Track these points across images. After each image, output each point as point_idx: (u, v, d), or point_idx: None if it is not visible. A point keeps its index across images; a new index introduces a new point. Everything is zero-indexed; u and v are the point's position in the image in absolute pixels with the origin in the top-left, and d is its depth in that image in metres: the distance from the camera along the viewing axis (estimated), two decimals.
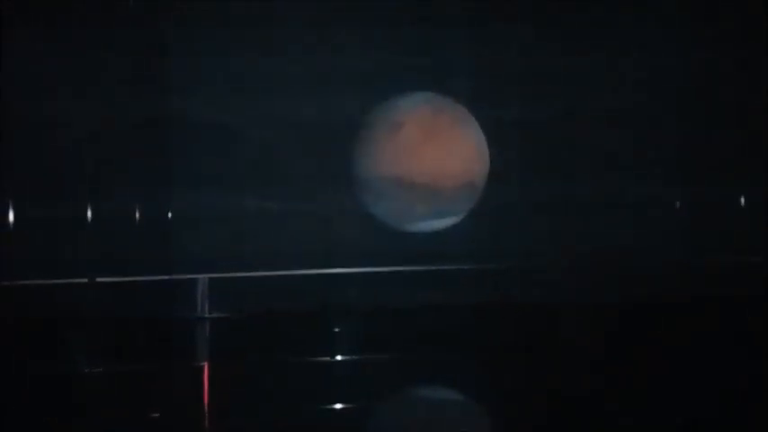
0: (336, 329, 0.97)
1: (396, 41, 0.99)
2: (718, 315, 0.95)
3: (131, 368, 0.89)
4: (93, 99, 0.96)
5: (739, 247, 0.97)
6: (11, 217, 0.94)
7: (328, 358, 0.92)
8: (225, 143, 0.97)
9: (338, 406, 0.77)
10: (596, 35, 0.98)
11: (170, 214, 0.97)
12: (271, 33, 0.97)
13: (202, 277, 0.98)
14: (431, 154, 0.97)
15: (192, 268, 0.97)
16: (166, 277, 0.97)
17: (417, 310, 0.98)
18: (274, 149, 0.98)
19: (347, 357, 0.92)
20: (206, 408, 0.77)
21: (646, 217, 0.99)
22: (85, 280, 0.96)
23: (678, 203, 0.98)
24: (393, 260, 0.99)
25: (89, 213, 0.95)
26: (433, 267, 0.99)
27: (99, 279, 0.96)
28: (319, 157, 0.99)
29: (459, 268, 0.99)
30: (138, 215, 0.96)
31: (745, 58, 0.97)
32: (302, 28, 0.98)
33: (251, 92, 0.97)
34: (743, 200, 0.97)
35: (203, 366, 0.91)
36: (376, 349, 0.94)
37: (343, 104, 0.98)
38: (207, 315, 0.98)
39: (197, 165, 0.97)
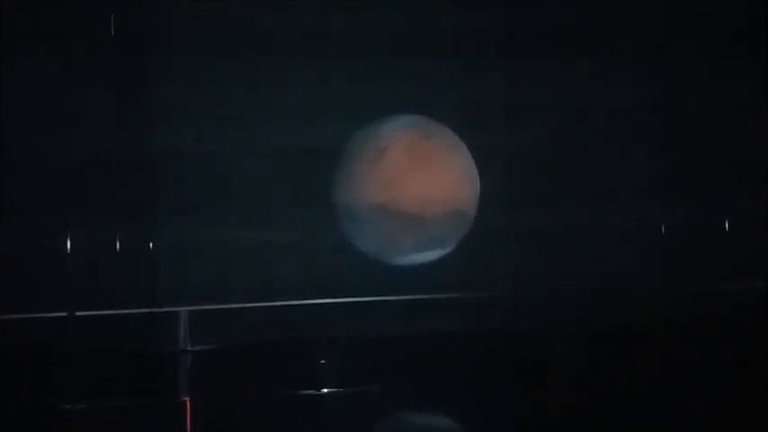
0: (322, 361, 0.95)
1: (382, 71, 0.97)
2: (705, 340, 0.95)
3: (112, 403, 0.87)
4: (74, 129, 0.94)
5: (726, 271, 0.96)
6: None
7: (314, 391, 0.91)
8: (208, 173, 0.96)
9: None
10: (579, 64, 0.97)
11: (151, 245, 0.95)
12: (256, 63, 0.96)
13: (184, 310, 0.96)
14: (418, 181, 0.95)
15: (174, 300, 0.95)
16: (147, 310, 0.95)
17: (404, 340, 0.96)
18: (259, 179, 0.96)
19: (334, 390, 0.91)
20: None
21: (632, 242, 0.97)
22: (65, 314, 0.94)
23: (663, 227, 0.97)
24: (379, 290, 0.97)
25: (68, 244, 0.93)
26: (420, 296, 0.98)
27: (79, 313, 0.94)
28: (304, 187, 0.97)
29: (447, 297, 0.98)
30: (118, 246, 0.94)
31: (728, 84, 0.97)
32: (288, 57, 0.97)
33: (234, 121, 0.96)
34: (727, 224, 0.96)
35: (185, 401, 0.89)
36: (363, 381, 0.93)
37: (329, 133, 0.96)
38: (189, 348, 0.96)
39: (180, 195, 0.95)
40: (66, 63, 0.93)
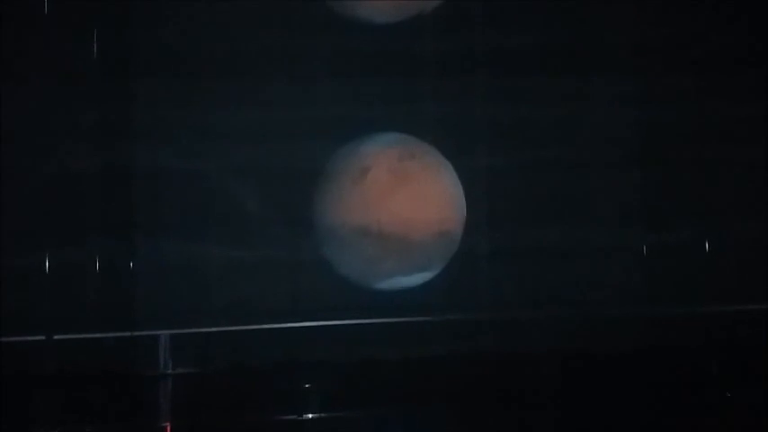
0: (306, 385, 0.93)
1: (365, 92, 0.96)
2: (688, 364, 0.94)
3: (91, 429, 0.85)
4: (53, 147, 0.92)
5: (706, 294, 0.96)
6: None
7: (297, 416, 0.89)
8: (191, 192, 0.94)
9: None
10: (563, 85, 0.97)
11: (132, 264, 0.93)
12: (238, 83, 0.95)
13: (165, 333, 0.94)
14: (402, 202, 0.93)
15: (155, 322, 0.93)
16: (127, 333, 0.93)
17: (390, 364, 0.95)
18: (240, 199, 0.95)
19: (318, 415, 0.89)
20: None
21: (613, 263, 0.96)
22: (42, 337, 0.92)
23: (645, 249, 0.96)
24: (364, 312, 0.96)
25: (47, 265, 0.91)
26: (405, 319, 0.96)
27: (57, 336, 0.92)
28: (286, 207, 0.95)
29: (432, 319, 0.96)
30: (98, 266, 0.92)
31: (711, 105, 0.98)
32: (271, 77, 0.96)
33: (216, 141, 0.95)
34: (707, 245, 0.95)
35: (166, 426, 0.88)
36: (348, 405, 0.92)
37: (312, 153, 0.95)
38: (170, 371, 0.94)
39: (161, 214, 0.94)
40: (47, 82, 0.92)
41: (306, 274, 0.95)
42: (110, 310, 0.93)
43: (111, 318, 0.93)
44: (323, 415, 0.89)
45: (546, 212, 0.97)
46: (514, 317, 0.96)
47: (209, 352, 0.94)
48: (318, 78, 0.95)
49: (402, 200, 0.93)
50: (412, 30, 0.96)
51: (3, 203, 0.90)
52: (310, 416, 0.89)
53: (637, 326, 0.96)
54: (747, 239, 0.96)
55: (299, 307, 0.95)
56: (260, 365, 0.94)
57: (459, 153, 0.96)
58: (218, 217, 0.95)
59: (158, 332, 0.93)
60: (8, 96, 0.90)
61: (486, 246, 0.96)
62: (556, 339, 0.96)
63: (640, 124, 0.97)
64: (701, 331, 0.96)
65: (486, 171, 0.96)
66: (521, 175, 0.96)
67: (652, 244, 0.96)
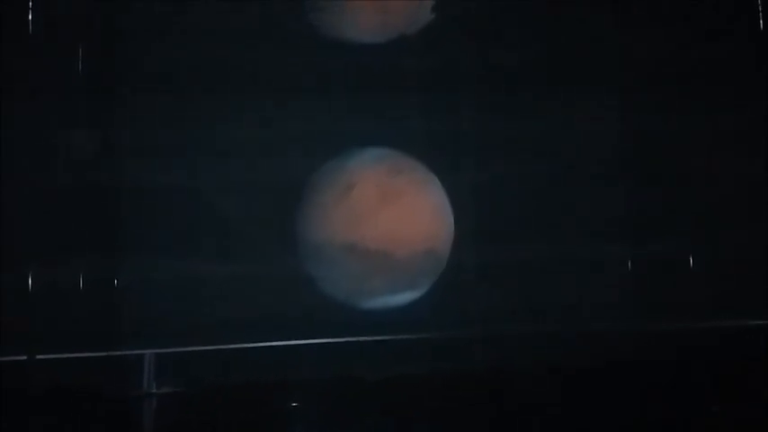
0: (293, 404, 0.92)
1: (352, 108, 0.96)
2: (673, 379, 0.94)
3: None
4: (39, 165, 0.91)
5: (692, 310, 0.96)
6: None
7: None
8: (175, 209, 0.93)
9: None
10: (549, 102, 0.98)
11: (116, 282, 0.92)
12: (225, 100, 0.95)
13: (149, 352, 0.93)
14: (388, 218, 0.93)
15: (139, 341, 0.92)
16: (112, 353, 0.92)
17: (377, 382, 0.94)
18: (227, 216, 0.94)
19: None
20: None
21: (599, 278, 0.96)
22: (24, 357, 0.90)
23: (630, 263, 0.96)
24: (351, 330, 0.95)
25: (30, 283, 0.90)
26: (394, 337, 0.95)
27: (40, 356, 0.90)
28: (273, 223, 0.95)
29: (420, 337, 0.96)
30: (82, 284, 0.91)
31: (694, 121, 0.98)
32: (256, 95, 0.95)
33: (203, 157, 0.94)
34: (691, 260, 0.96)
35: None
36: (336, 425, 0.91)
37: (297, 169, 0.95)
38: (155, 391, 0.93)
39: (146, 230, 0.93)
40: (32, 100, 0.92)
41: (293, 291, 0.95)
42: (94, 328, 0.92)
43: (95, 337, 0.92)
44: None
45: (532, 227, 0.97)
46: (501, 333, 0.96)
47: (194, 371, 0.93)
48: (305, 95, 0.95)
49: (388, 217, 0.93)
50: (397, 48, 0.97)
51: None
52: None
53: (623, 340, 0.96)
54: (733, 254, 0.97)
55: (285, 325, 0.94)
56: (246, 384, 0.93)
57: (444, 169, 0.95)
58: (204, 234, 0.94)
59: (143, 351, 0.92)
60: None
61: (472, 261, 0.96)
62: (543, 355, 0.96)
63: (625, 139, 0.97)
64: (687, 345, 0.96)
65: (472, 186, 0.96)
66: (506, 190, 0.96)
67: (637, 258, 0.96)
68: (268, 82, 0.96)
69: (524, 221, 0.97)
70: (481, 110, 0.97)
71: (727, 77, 0.98)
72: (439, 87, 0.97)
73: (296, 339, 0.94)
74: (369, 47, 0.96)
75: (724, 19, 0.99)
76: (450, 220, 0.95)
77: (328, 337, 0.94)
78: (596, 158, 0.97)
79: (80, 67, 0.93)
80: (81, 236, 0.92)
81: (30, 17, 0.92)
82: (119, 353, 0.92)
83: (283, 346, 0.94)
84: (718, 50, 0.98)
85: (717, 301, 0.96)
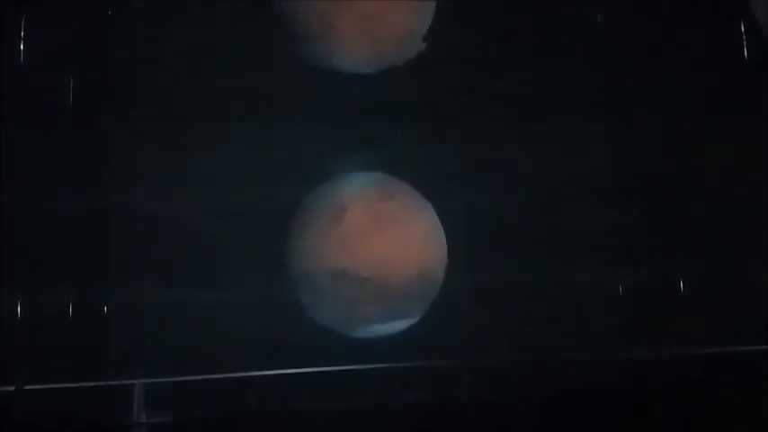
0: None
1: (340, 135, 0.96)
2: (662, 407, 0.94)
3: None
4: (25, 191, 0.91)
5: (681, 335, 0.96)
6: None
7: None
8: (165, 236, 0.93)
9: None
10: (536, 127, 0.99)
11: (106, 309, 0.91)
12: (214, 126, 0.95)
13: (139, 382, 0.92)
14: (380, 244, 0.92)
15: (129, 370, 0.91)
16: (101, 383, 0.91)
17: (370, 410, 0.93)
18: (217, 242, 0.94)
19: None
20: None
21: (589, 303, 0.96)
22: (12, 388, 0.89)
23: (621, 288, 0.96)
24: (342, 358, 0.94)
25: (18, 311, 0.89)
26: (385, 365, 0.94)
27: (28, 387, 0.89)
28: (263, 250, 0.94)
29: (410, 365, 0.95)
30: (71, 312, 0.90)
31: (684, 146, 0.99)
32: (245, 121, 0.96)
33: (192, 184, 0.94)
34: (681, 285, 0.96)
35: None
36: None
37: (288, 195, 0.94)
38: (144, 420, 0.91)
39: (134, 259, 0.92)
40: (23, 128, 0.92)
41: (284, 319, 0.94)
42: (83, 357, 0.91)
43: (84, 366, 0.91)
44: None
45: (524, 253, 0.97)
46: (494, 361, 0.95)
47: (184, 400, 0.92)
48: (295, 122, 0.95)
49: (380, 242, 0.92)
50: (388, 76, 0.97)
51: None
52: None
53: (615, 367, 0.95)
54: (722, 279, 0.97)
55: (276, 353, 0.94)
56: (237, 414, 0.92)
57: (434, 195, 0.96)
58: (193, 261, 0.93)
59: (133, 381, 0.91)
60: None
61: (464, 288, 0.95)
62: (535, 383, 0.95)
63: (615, 164, 0.98)
64: (678, 372, 0.96)
65: (463, 212, 0.96)
66: (495, 216, 0.96)
67: (627, 283, 0.96)
68: (257, 109, 0.96)
69: (515, 247, 0.97)
70: (471, 136, 0.97)
71: (714, 104, 0.99)
72: (428, 114, 0.97)
73: (287, 368, 0.93)
74: (360, 76, 0.97)
75: (715, 47, 1.00)
76: (444, 245, 0.94)
77: (320, 366, 0.93)
78: (586, 184, 0.98)
79: (71, 97, 0.94)
80: (69, 263, 0.91)
81: (21, 47, 0.93)
82: (108, 383, 0.91)
83: (274, 375, 0.93)
84: (705, 78, 0.99)
85: (706, 327, 0.96)
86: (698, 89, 0.99)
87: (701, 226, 0.98)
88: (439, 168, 0.97)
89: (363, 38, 0.95)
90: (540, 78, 0.98)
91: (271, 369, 0.93)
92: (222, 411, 0.92)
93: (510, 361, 0.95)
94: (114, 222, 0.92)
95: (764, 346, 0.95)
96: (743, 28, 1.00)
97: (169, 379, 0.92)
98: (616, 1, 1.00)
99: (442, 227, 0.94)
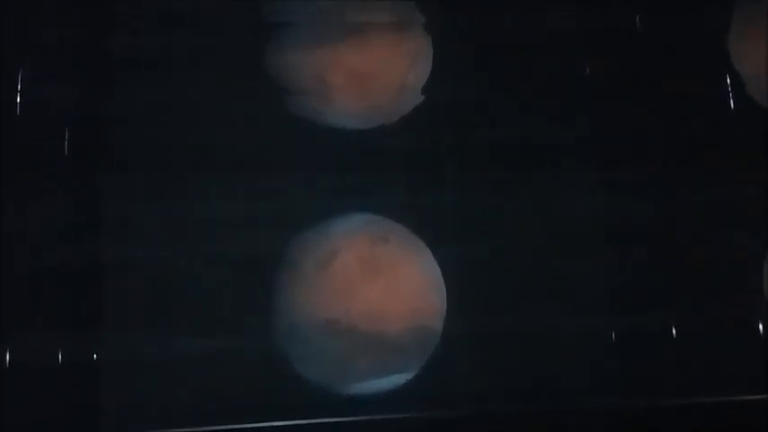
0: None
1: (334, 186, 0.96)
2: None
3: None
4: (17, 242, 0.91)
5: (675, 383, 0.95)
6: None
7: None
8: (155, 284, 0.92)
9: None
10: (528, 177, 0.99)
11: (95, 356, 0.90)
12: (206, 177, 0.95)
13: None
14: (374, 291, 0.91)
15: (120, 422, 0.90)
16: None
17: None
18: (208, 290, 0.93)
19: None
20: None
21: (583, 350, 0.95)
22: None
23: (614, 335, 0.95)
24: (336, 410, 0.93)
25: (7, 360, 0.88)
26: (375, 417, 0.92)
27: None
28: (256, 298, 0.93)
29: (405, 416, 0.93)
30: (60, 361, 0.89)
31: (675, 195, 1.00)
32: (237, 172, 0.96)
33: (184, 232, 0.94)
34: (674, 331, 0.95)
35: None
36: None
37: (279, 244, 0.94)
38: None
39: (125, 306, 0.91)
40: (18, 179, 0.92)
41: (276, 370, 0.93)
42: (73, 410, 0.90)
43: (74, 418, 0.90)
44: None
45: (518, 300, 0.96)
46: (491, 411, 0.93)
47: None
48: (288, 171, 0.96)
49: (374, 290, 0.90)
50: (381, 130, 0.98)
51: None
52: None
53: (615, 416, 0.94)
54: (716, 325, 0.96)
55: (270, 405, 0.92)
56: None
57: (428, 243, 0.95)
58: (184, 310, 0.93)
59: None
60: None
61: (460, 336, 0.94)
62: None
63: (608, 213, 0.98)
64: (674, 421, 0.94)
65: (456, 261, 0.96)
66: (488, 265, 0.96)
67: (621, 330, 0.96)
68: (248, 161, 0.96)
69: (509, 295, 0.96)
70: (466, 185, 0.97)
71: (705, 155, 1.00)
72: (423, 164, 0.98)
73: (279, 420, 0.92)
74: (351, 127, 0.98)
75: (702, 93, 1.01)
76: (444, 292, 0.92)
77: (312, 418, 0.92)
78: (580, 232, 0.98)
79: (66, 149, 0.94)
80: (59, 312, 0.91)
81: (18, 99, 0.94)
82: None
83: (267, 427, 0.91)
84: (697, 125, 1.01)
85: (703, 375, 0.96)
86: (690, 140, 1.00)
87: (694, 274, 0.97)
88: (433, 217, 0.96)
89: (355, 93, 0.96)
90: (531, 129, 0.99)
91: (264, 421, 0.91)
92: None
93: (506, 411, 0.93)
94: (105, 272, 0.92)
95: (764, 395, 0.94)
96: (728, 81, 1.01)
97: None
98: (603, 54, 1.01)
99: (440, 272, 0.92)
